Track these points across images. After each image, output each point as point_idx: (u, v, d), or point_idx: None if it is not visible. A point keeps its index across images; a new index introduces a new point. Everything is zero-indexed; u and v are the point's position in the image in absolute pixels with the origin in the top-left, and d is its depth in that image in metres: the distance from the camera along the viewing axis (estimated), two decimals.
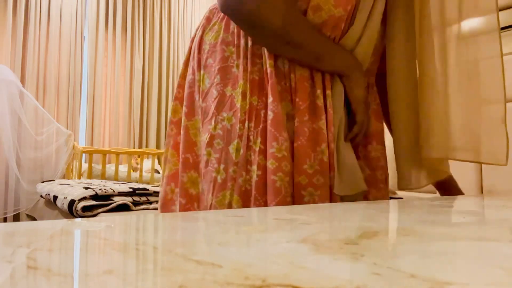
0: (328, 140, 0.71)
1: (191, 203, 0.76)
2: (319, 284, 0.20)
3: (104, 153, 3.24)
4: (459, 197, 0.79)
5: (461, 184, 2.49)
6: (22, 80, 3.71)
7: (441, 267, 0.24)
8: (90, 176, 3.21)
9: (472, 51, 0.78)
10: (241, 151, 0.70)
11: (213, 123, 0.73)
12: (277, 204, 0.67)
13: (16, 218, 3.53)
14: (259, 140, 0.70)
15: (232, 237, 0.34)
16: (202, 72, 0.79)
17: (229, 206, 0.70)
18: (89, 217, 1.68)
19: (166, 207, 0.80)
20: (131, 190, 1.91)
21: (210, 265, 0.24)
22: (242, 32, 0.74)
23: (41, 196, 2.60)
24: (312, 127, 0.71)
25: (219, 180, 0.71)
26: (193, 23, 4.89)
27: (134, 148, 4.22)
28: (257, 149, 0.70)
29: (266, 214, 0.51)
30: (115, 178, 3.27)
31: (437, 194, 0.96)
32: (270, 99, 0.70)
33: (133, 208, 1.83)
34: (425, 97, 0.79)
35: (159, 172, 3.87)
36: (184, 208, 0.76)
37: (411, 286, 0.20)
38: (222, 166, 0.71)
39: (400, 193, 2.75)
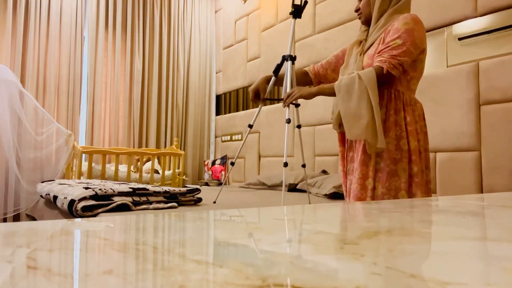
0: None
1: None
2: (319, 284, 0.20)
3: (104, 153, 3.23)
4: (459, 197, 0.79)
5: (461, 184, 2.50)
6: (22, 80, 3.71)
7: (441, 267, 0.24)
8: (90, 176, 3.21)
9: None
10: None
11: None
12: None
13: (16, 218, 3.53)
14: None
15: (232, 237, 0.34)
16: None
17: None
18: (89, 217, 1.67)
19: None
20: (131, 190, 1.91)
21: (210, 265, 0.24)
22: None
23: (41, 196, 2.60)
24: None
25: None
26: (193, 23, 4.89)
27: (134, 148, 4.22)
28: None
29: (266, 214, 0.51)
30: (115, 178, 3.27)
31: (438, 194, 0.96)
32: None
33: (133, 208, 1.83)
34: None
35: (158, 172, 3.86)
36: None
37: (411, 286, 0.20)
38: None
39: None
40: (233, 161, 2.32)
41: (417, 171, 1.36)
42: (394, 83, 1.41)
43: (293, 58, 2.14)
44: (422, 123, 1.43)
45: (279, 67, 2.07)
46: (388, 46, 1.37)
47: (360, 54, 1.51)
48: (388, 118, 1.39)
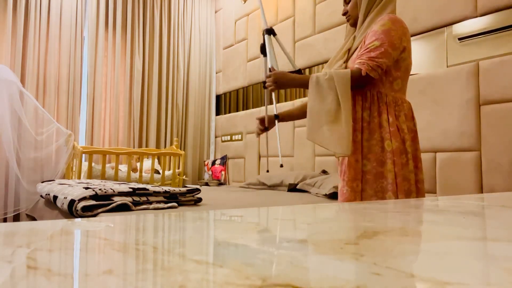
0: None
1: None
2: (319, 284, 0.20)
3: (104, 153, 3.23)
4: (459, 197, 0.79)
5: (461, 184, 2.50)
6: (22, 80, 3.71)
7: (441, 267, 0.24)
8: (90, 176, 3.21)
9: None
10: None
11: None
12: None
13: (16, 218, 3.53)
14: None
15: (232, 237, 0.34)
16: None
17: None
18: (89, 217, 1.66)
19: None
20: (131, 190, 1.91)
21: (210, 265, 0.24)
22: None
23: (41, 196, 2.60)
24: None
25: None
26: (193, 23, 4.89)
27: (134, 148, 4.22)
28: None
29: (266, 214, 0.51)
30: (115, 178, 3.27)
31: (438, 194, 0.96)
32: None
33: (133, 208, 1.83)
34: None
35: (159, 172, 3.86)
36: None
37: (411, 286, 0.20)
38: None
39: None
40: (281, 163, 2.01)
41: (399, 172, 1.35)
42: (376, 85, 1.41)
43: (271, 31, 1.87)
44: (410, 122, 1.42)
45: (264, 45, 1.90)
46: (367, 49, 1.37)
47: (345, 61, 1.51)
48: (372, 120, 1.39)
